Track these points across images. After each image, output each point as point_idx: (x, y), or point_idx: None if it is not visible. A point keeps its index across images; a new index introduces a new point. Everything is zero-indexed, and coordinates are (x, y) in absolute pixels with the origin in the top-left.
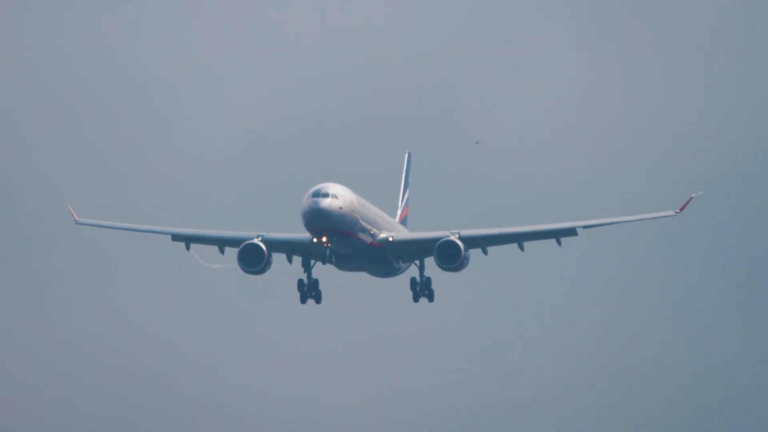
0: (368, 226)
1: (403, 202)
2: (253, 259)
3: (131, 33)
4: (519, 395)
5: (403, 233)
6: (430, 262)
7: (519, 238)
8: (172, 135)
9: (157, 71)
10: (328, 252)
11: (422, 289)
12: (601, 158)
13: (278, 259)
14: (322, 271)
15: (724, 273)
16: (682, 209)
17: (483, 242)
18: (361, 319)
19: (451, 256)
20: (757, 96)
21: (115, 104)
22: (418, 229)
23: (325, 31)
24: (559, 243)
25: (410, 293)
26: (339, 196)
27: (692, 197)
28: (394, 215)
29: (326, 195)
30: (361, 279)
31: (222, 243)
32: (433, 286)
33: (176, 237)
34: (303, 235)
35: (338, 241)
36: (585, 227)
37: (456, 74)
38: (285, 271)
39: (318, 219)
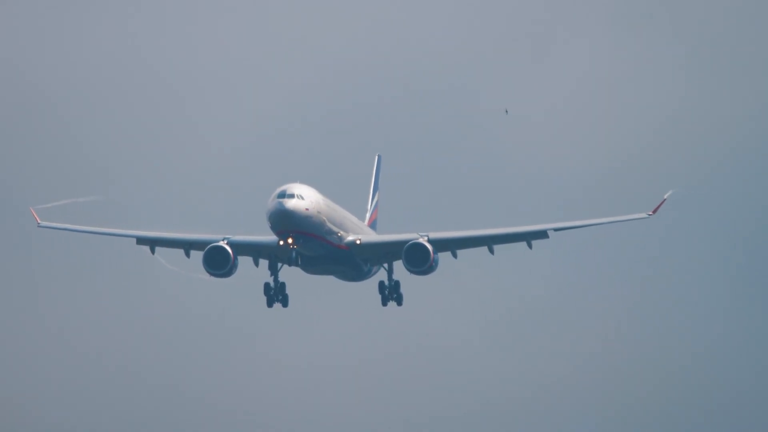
0: (335, 228)
1: (373, 206)
2: (219, 262)
3: (103, 33)
4: (487, 399)
5: (371, 236)
6: (399, 266)
7: (489, 241)
8: (139, 137)
9: (127, 73)
10: (294, 254)
11: (391, 293)
12: (577, 159)
13: (245, 262)
14: (290, 275)
15: (706, 273)
16: (655, 211)
17: (452, 245)
18: (328, 324)
19: (419, 258)
20: (746, 97)
21: (80, 106)
22: (388, 233)
23: (298, 33)
24: (529, 246)
25: (379, 297)
26: (305, 197)
27: (665, 199)
28: (363, 219)
29: (292, 196)
30: (329, 283)
31: (187, 246)
32: (402, 289)
33: (141, 240)
34: (269, 237)
35: (304, 243)
36: (556, 230)
37: (427, 75)
38: (252, 274)
39: (283, 220)
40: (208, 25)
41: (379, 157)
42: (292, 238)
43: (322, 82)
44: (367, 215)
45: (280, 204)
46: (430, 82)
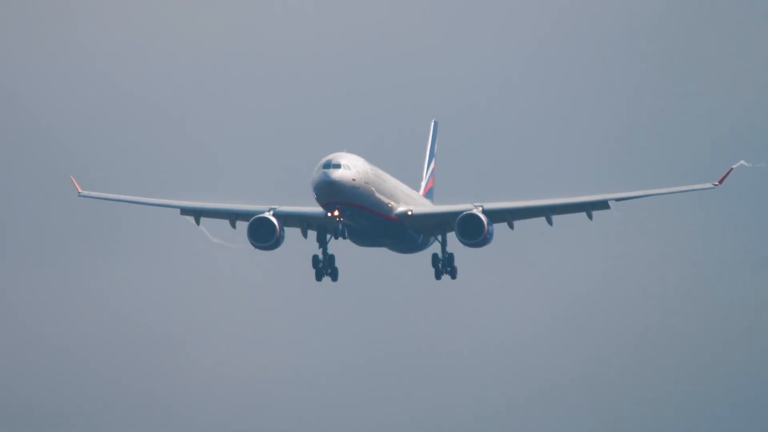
0: (385, 199)
1: (428, 174)
2: (264, 234)
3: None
4: (545, 379)
5: (423, 206)
6: (453, 238)
7: (547, 212)
8: (185, 106)
9: (167, 43)
10: (340, 226)
11: (444, 266)
12: (639, 128)
13: (293, 234)
14: (340, 248)
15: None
16: (721, 181)
17: (508, 216)
18: (379, 297)
19: (473, 230)
20: None
21: (123, 74)
22: (444, 203)
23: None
24: (590, 217)
25: (432, 270)
26: (351, 167)
27: (732, 168)
28: (418, 187)
29: (338, 166)
30: (381, 255)
31: (233, 216)
32: (456, 262)
33: (185, 210)
34: (317, 208)
35: (352, 215)
36: (618, 200)
37: (487, 42)
38: (300, 246)
39: (329, 192)
40: None
41: (436, 122)
42: (339, 210)
43: (376, 44)
44: (422, 184)
45: (325, 174)
46: (490, 49)
